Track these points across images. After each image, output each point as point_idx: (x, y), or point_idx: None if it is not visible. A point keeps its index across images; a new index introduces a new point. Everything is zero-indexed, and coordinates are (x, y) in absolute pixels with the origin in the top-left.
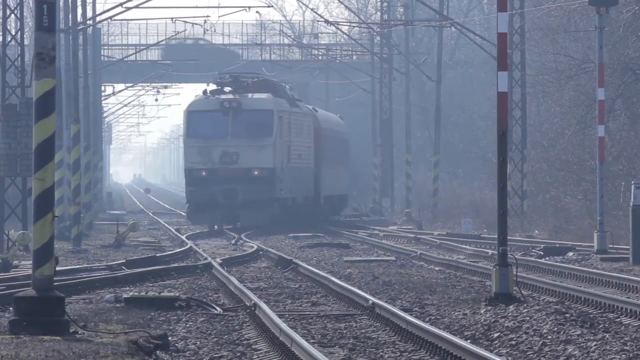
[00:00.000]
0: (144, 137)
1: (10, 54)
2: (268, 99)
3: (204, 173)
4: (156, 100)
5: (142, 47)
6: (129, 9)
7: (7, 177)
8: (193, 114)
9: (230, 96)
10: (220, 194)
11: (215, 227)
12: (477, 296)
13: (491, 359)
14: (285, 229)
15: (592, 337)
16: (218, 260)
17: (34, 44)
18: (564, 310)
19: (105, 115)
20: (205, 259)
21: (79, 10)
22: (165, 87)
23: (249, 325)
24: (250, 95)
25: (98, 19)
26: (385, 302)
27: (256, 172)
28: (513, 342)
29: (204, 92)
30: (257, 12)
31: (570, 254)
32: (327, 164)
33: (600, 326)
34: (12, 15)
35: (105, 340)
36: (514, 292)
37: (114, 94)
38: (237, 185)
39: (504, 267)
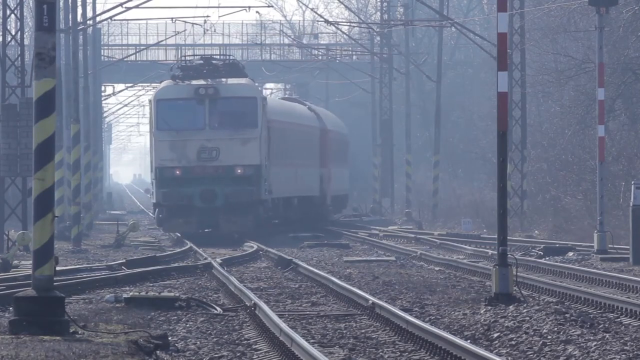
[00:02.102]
0: (144, 137)
1: (10, 54)
2: (249, 84)
3: (177, 172)
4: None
5: (142, 47)
6: (129, 9)
7: (7, 177)
8: (162, 103)
9: (203, 81)
10: (198, 197)
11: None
12: (477, 296)
13: (491, 359)
14: (285, 230)
15: (592, 337)
16: (218, 260)
17: (34, 44)
18: (564, 310)
19: (105, 115)
20: (205, 259)
21: (79, 10)
22: None
23: (249, 325)
24: (226, 80)
25: (98, 19)
26: (385, 302)
27: (239, 171)
28: (513, 342)
29: (173, 77)
30: (257, 12)
31: (570, 254)
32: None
33: (600, 326)
34: (12, 15)
35: (105, 340)
36: (514, 292)
37: (114, 94)
38: (217, 185)
39: (504, 267)
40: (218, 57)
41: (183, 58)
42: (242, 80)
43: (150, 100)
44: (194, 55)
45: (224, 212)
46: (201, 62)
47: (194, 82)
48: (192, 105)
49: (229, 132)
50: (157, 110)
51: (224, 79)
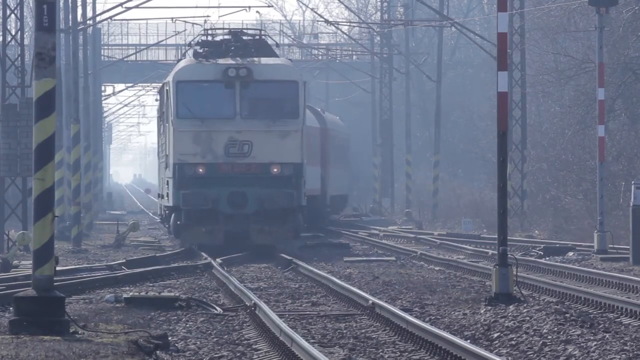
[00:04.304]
0: (144, 137)
1: (10, 54)
2: (288, 65)
3: (201, 170)
4: (156, 100)
5: (142, 47)
6: (129, 9)
7: (7, 177)
8: (184, 86)
9: (232, 61)
10: (224, 200)
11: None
12: (477, 296)
13: (491, 359)
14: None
15: (592, 337)
16: (218, 260)
17: (34, 44)
18: (564, 310)
19: (105, 115)
20: (205, 258)
21: (79, 10)
22: None
23: (249, 325)
24: (259, 60)
25: (98, 19)
26: (385, 302)
27: (276, 170)
28: (513, 342)
29: (195, 54)
30: (257, 12)
31: (570, 254)
32: None
33: (600, 326)
34: (12, 15)
35: (105, 340)
36: (514, 292)
37: (114, 94)
38: (248, 187)
39: (504, 267)
40: (248, 31)
41: (205, 31)
42: (279, 61)
43: (165, 83)
44: (221, 29)
45: (256, 221)
46: (229, 37)
47: (221, 61)
48: (219, 89)
49: (264, 122)
50: (177, 94)
51: (256, 59)
